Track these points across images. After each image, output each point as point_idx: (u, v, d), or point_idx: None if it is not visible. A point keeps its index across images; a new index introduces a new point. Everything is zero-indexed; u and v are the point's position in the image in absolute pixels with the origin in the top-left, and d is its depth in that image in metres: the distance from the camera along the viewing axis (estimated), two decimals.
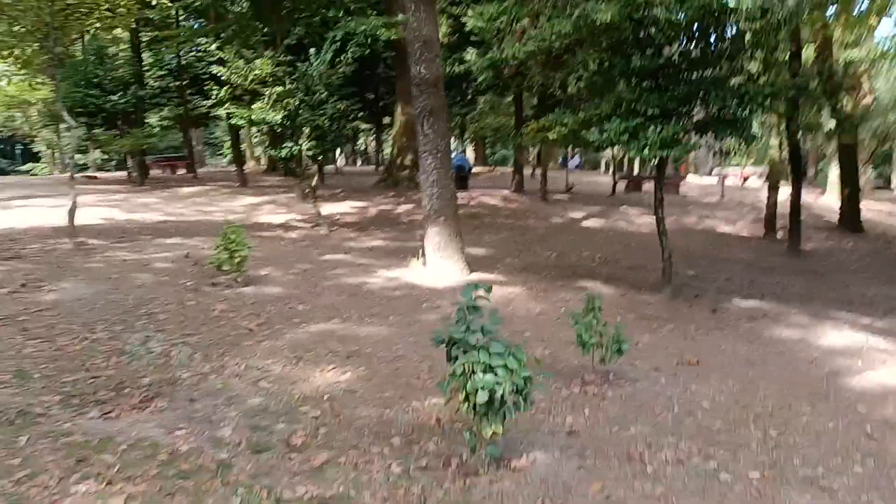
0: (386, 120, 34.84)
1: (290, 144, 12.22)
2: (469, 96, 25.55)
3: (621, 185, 26.80)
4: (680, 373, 6.28)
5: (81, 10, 10.50)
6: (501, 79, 19.48)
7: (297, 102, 12.34)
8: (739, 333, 7.98)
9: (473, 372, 3.85)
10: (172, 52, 23.31)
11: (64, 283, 7.50)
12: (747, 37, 8.22)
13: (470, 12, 17.94)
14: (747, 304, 9.61)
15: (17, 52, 10.59)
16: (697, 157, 44.59)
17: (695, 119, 8.70)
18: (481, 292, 4.12)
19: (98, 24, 10.77)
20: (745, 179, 41.16)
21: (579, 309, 5.83)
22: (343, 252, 11.08)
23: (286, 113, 12.14)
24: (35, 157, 62.21)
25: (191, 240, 11.39)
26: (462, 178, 22.86)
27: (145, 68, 25.42)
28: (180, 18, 25.31)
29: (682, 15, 7.20)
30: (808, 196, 27.10)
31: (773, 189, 16.84)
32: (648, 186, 28.95)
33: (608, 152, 53.65)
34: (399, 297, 8.20)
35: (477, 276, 9.50)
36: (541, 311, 8.16)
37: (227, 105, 12.63)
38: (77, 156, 53.96)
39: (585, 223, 17.13)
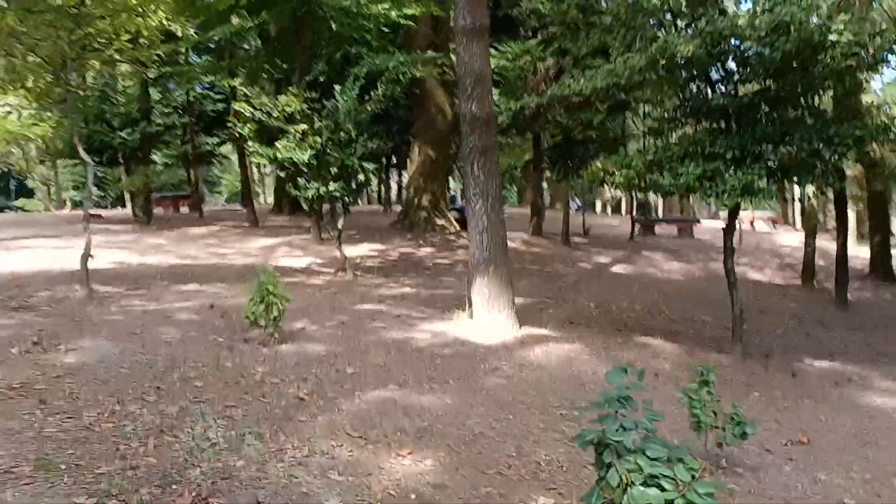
0: (393, 160, 34.42)
1: (316, 185, 11.50)
2: None
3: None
4: (794, 455, 5.48)
5: (101, 39, 9.85)
6: (522, 119, 18.98)
7: (324, 140, 11.66)
8: (832, 402, 7.20)
9: (632, 483, 3.05)
10: (183, 88, 22.71)
11: (82, 340, 6.67)
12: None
13: (492, 52, 17.56)
14: (822, 364, 8.85)
15: (29, 84, 9.89)
16: (697, 201, 44.18)
17: (769, 163, 8.01)
18: (634, 378, 3.33)
19: (118, 56, 10.08)
20: (752, 223, 40.67)
21: (691, 383, 5.04)
22: (375, 301, 10.28)
23: (314, 152, 11.43)
24: (29, 193, 61.56)
25: (211, 286, 10.59)
26: None
27: (152, 105, 24.82)
28: (189, 54, 24.88)
29: (775, 51, 6.53)
30: (824, 242, 26.54)
31: (811, 236, 16.16)
32: (660, 230, 28.43)
33: (607, 193, 53.50)
34: (452, 357, 7.38)
35: (527, 330, 8.70)
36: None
37: (250, 143, 11.91)
38: (72, 192, 53.43)
39: (614, 269, 16.39)
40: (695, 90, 7.85)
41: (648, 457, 3.11)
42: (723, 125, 8.04)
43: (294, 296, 9.61)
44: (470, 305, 8.80)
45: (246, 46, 23.38)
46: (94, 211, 28.45)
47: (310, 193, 11.62)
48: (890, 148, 8.15)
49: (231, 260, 13.73)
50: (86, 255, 9.29)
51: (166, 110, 28.59)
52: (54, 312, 7.93)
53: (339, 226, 12.44)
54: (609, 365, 7.76)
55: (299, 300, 9.70)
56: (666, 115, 8.21)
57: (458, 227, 19.68)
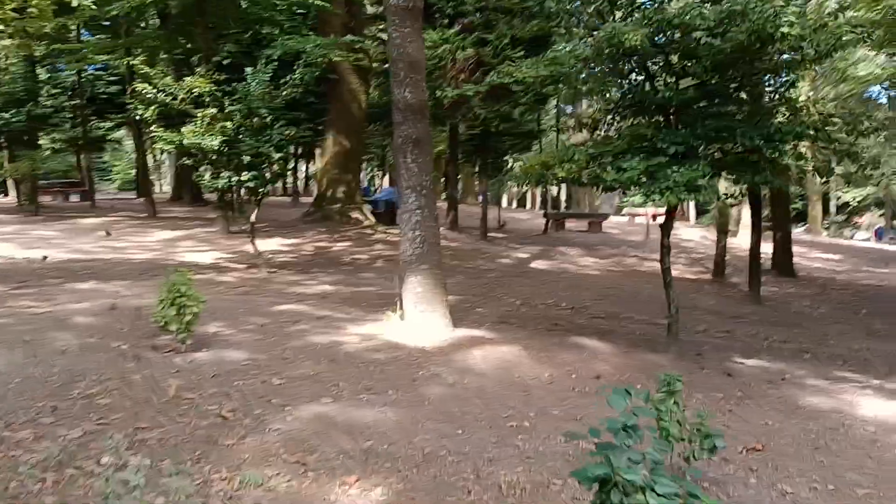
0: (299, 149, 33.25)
1: (228, 174, 10.64)
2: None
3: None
4: (754, 465, 5.26)
5: None
6: (439, 109, 18.54)
7: (235, 126, 10.82)
8: (773, 404, 7.11)
9: None
10: (73, 68, 20.94)
11: None
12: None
13: None
14: (752, 363, 8.82)
15: None
16: (604, 197, 45.13)
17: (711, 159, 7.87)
18: (639, 401, 2.93)
19: (1, 27, 8.93)
20: (654, 219, 41.89)
21: (657, 394, 4.72)
22: (294, 300, 9.58)
23: (224, 138, 10.57)
24: None
25: (109, 284, 9.60)
26: (392, 213, 21.69)
27: (39, 85, 22.85)
28: (80, 31, 23.00)
29: (727, 41, 6.33)
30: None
31: (723, 233, 16.52)
32: (571, 225, 28.71)
33: (513, 187, 54.00)
34: (387, 363, 6.84)
35: (461, 332, 8.25)
36: (552, 378, 7.00)
37: (153, 127, 10.90)
38: None
39: (534, 265, 16.22)
40: (635, 82, 7.60)
41: (658, 493, 2.72)
42: (662, 119, 7.84)
43: (203, 295, 8.83)
44: (401, 306, 8.26)
45: (143, 25, 21.84)
46: None
47: (220, 183, 10.77)
48: (819, 145, 8.11)
49: (129, 255, 12.62)
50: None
51: (54, 91, 26.47)
52: None
53: (252, 219, 11.62)
54: (550, 368, 7.44)
55: (210, 300, 8.83)
56: (608, 107, 7.92)
57: (373, 220, 19.06)
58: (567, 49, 6.89)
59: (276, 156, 10.89)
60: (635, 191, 7.40)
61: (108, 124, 29.14)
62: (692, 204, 46.93)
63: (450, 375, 6.67)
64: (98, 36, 23.74)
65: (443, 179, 29.26)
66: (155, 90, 10.98)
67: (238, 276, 11.12)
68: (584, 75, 8.05)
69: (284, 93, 11.18)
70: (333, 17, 17.53)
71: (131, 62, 11.17)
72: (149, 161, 43.75)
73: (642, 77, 7.84)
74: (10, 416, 4.50)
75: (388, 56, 8.17)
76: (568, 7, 7.38)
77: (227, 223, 15.55)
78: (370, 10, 19.40)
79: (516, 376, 6.97)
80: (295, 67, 11.32)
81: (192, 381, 5.64)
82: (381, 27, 20.06)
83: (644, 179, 7.10)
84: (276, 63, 11.86)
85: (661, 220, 32.44)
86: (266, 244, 14.93)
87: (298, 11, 16.12)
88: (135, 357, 6.13)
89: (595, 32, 7.31)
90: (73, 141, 26.87)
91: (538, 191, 63.24)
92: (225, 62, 13.95)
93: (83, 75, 24.97)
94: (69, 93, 26.82)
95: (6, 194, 45.88)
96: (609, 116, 8.14)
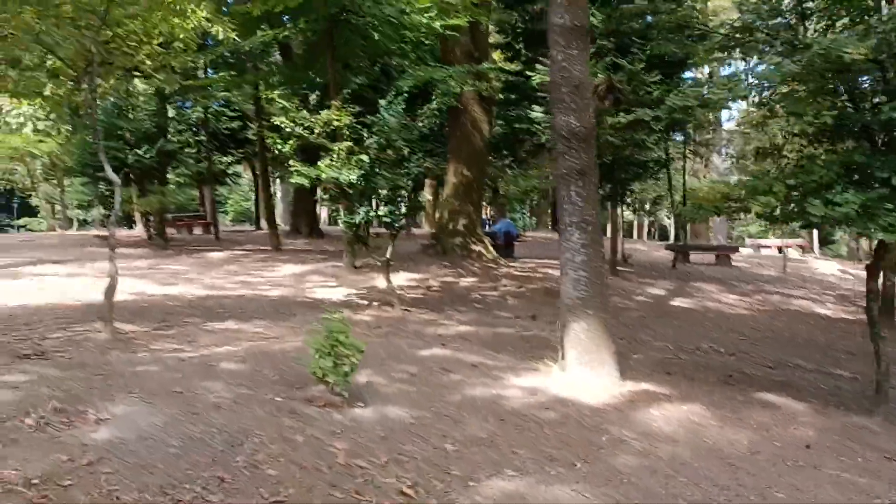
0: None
1: (365, 209, 10.23)
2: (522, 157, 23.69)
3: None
4: None
5: (130, 42, 8.62)
6: None
7: (372, 159, 10.42)
8: None
9: None
10: (201, 104, 21.53)
11: (114, 403, 5.33)
12: None
13: (539, 67, 16.35)
14: None
15: (47, 91, 8.65)
16: (715, 225, 42.83)
17: None
18: None
19: (148, 63, 8.85)
20: (780, 251, 39.35)
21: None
22: (436, 343, 8.95)
23: (362, 172, 10.18)
24: (32, 212, 60.39)
25: (248, 324, 9.28)
26: (509, 245, 20.99)
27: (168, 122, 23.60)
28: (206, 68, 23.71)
29: None
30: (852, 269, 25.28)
31: (893, 269, 14.83)
32: (696, 258, 27.05)
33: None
34: (560, 424, 6.05)
35: (630, 385, 7.37)
36: (753, 447, 6.01)
37: (291, 162, 10.64)
38: (77, 211, 52.15)
39: (673, 302, 15.07)
40: (845, 102, 6.61)
41: None
42: (868, 145, 6.79)
43: (363, 343, 8.33)
44: (562, 355, 7.47)
45: (267, 60, 22.27)
46: (103, 232, 27.22)
47: (358, 219, 10.34)
48: None
49: (261, 291, 12.41)
50: (111, 290, 7.99)
51: (180, 127, 27.45)
52: (75, 362, 6.60)
53: (388, 255, 11.14)
54: (745, 433, 6.43)
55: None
56: (806, 130, 6.94)
57: (495, 254, 18.40)
58: (771, 68, 5.98)
59: (411, 188, 10.40)
60: (845, 227, 6.35)
61: (229, 159, 29.96)
62: (815, 233, 43.94)
63: (636, 441, 5.82)
64: (221, 73, 24.49)
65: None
66: (293, 124, 10.76)
67: (374, 315, 10.63)
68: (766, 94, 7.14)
69: (421, 124, 10.71)
70: (458, 44, 17.15)
71: (269, 96, 10.97)
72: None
73: (844, 97, 6.81)
74: (176, 489, 3.99)
75: (551, 80, 7.49)
76: (765, 18, 6.48)
77: (354, 258, 15.25)
78: (492, 38, 18.96)
79: (710, 443, 6.03)
80: (433, 97, 10.85)
81: (361, 444, 5.04)
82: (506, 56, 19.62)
83: (860, 215, 6.07)
84: (405, 95, 11.47)
85: (791, 252, 30.19)
86: (393, 279, 14.50)
87: (425, 41, 15.83)
88: (291, 412, 5.60)
89: (789, 46, 6.39)
90: (196, 175, 27.71)
91: (646, 220, 61.03)
92: (350, 95, 13.70)
93: (208, 112, 25.81)
94: (194, 129, 27.72)
95: (130, 226, 48.25)
96: (804, 141, 7.13)
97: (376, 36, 14.14)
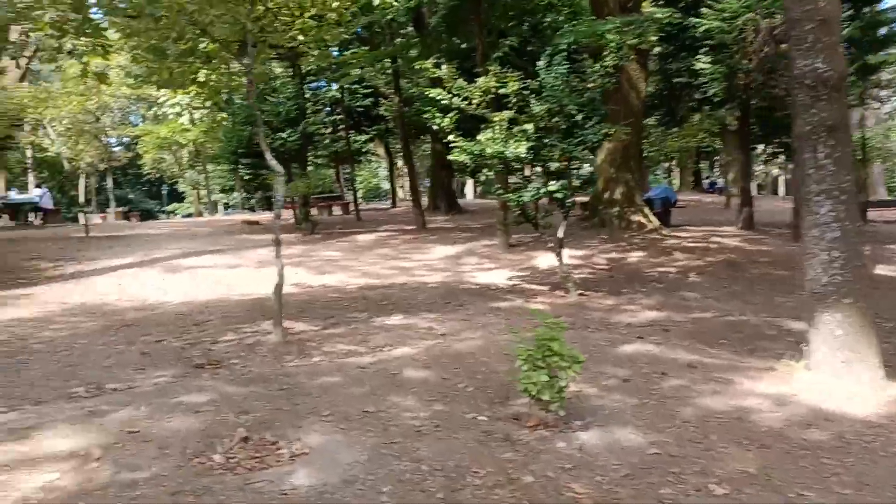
0: None
1: (536, 185, 9.17)
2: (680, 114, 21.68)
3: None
4: None
5: (283, 17, 7.91)
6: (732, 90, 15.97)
7: (539, 128, 9.32)
8: None
9: None
10: (339, 81, 21.11)
11: (307, 432, 4.61)
12: None
13: (706, 11, 14.54)
14: None
15: (201, 77, 8.13)
16: (874, 178, 38.52)
17: None
18: None
19: (301, 38, 8.12)
20: None
21: None
22: (633, 336, 7.79)
23: (530, 143, 9.10)
24: (179, 197, 63.65)
25: (418, 317, 8.51)
26: (666, 212, 19.27)
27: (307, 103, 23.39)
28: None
29: None
30: None
31: None
32: (873, 214, 24.05)
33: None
34: (841, 451, 4.75)
35: None
36: None
37: (451, 137, 9.72)
38: (219, 195, 54.27)
39: (878, 271, 13.04)
40: None
41: None
42: None
43: (581, 354, 7.32)
44: (808, 355, 6.12)
45: (402, 32, 21.48)
46: (251, 217, 27.74)
47: (527, 196, 9.30)
48: None
49: (419, 276, 11.69)
50: (279, 289, 7.38)
51: (316, 108, 27.40)
52: (253, 374, 5.99)
53: (560, 234, 10.05)
54: None
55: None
56: None
57: (656, 223, 16.85)
58: None
59: (588, 160, 9.23)
60: None
61: (363, 137, 29.71)
62: None
63: None
64: (353, 50, 24.05)
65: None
66: (450, 95, 9.83)
67: (547, 302, 9.62)
68: None
69: (591, 85, 9.48)
70: None
71: (423, 66, 10.06)
72: (393, 171, 45.02)
73: None
74: None
75: (788, 17, 6.06)
76: None
77: (508, 236, 14.29)
78: None
79: None
80: (604, 54, 9.58)
81: (604, 487, 4.03)
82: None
83: None
84: (564, 54, 10.24)
85: None
86: (551, 258, 13.41)
87: None
88: (505, 439, 4.67)
89: None
90: (332, 155, 27.59)
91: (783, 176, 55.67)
92: (499, 60, 12.59)
93: (341, 90, 25.54)
94: (328, 108, 27.57)
95: (269, 208, 49.51)
96: None
97: None
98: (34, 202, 25.02)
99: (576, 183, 9.58)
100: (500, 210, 14.33)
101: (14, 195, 27.28)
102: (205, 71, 8.07)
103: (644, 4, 17.66)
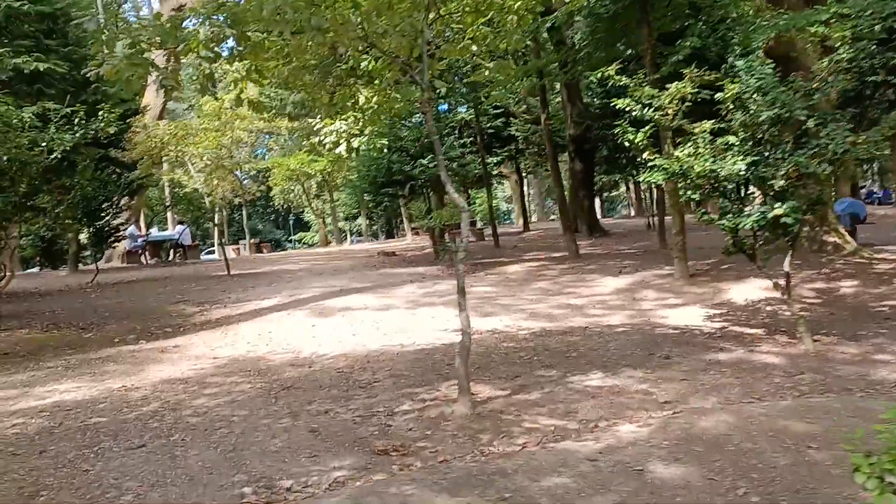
0: None
1: (762, 209, 7.45)
2: None
3: None
4: None
5: (454, 25, 6.68)
6: None
7: (757, 140, 7.62)
8: None
9: None
10: (493, 98, 19.93)
11: None
12: None
13: None
14: None
15: (362, 99, 7.02)
16: None
17: None
18: None
19: (474, 48, 6.86)
20: None
21: None
22: None
23: (752, 158, 7.41)
24: (305, 226, 65.04)
25: (619, 377, 6.96)
26: (853, 230, 16.72)
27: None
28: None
29: None
30: None
31: None
32: None
33: None
34: None
35: None
36: None
37: (646, 154, 8.18)
38: (342, 223, 54.66)
39: None
40: None
41: None
42: None
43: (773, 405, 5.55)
44: None
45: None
46: (386, 246, 27.05)
47: (749, 222, 7.57)
48: None
49: (598, 317, 10.13)
50: (466, 351, 6.06)
51: (445, 131, 26.50)
52: (451, 467, 4.65)
53: (787, 266, 8.23)
54: None
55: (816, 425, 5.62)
56: None
57: (854, 244, 14.48)
58: None
59: (826, 173, 7.42)
60: None
61: (495, 159, 28.54)
62: None
63: None
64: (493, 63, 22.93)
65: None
66: (639, 105, 8.31)
67: (777, 352, 7.81)
68: None
69: (818, 86, 7.69)
70: None
71: (608, 74, 8.58)
72: (518, 191, 43.51)
73: None
74: None
75: None
76: None
77: (686, 262, 12.50)
78: None
79: None
80: (838, 47, 7.77)
81: None
82: None
83: None
84: (759, 50, 8.51)
85: None
86: (749, 290, 11.50)
87: None
88: None
89: None
90: (464, 180, 26.52)
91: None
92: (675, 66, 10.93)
93: (479, 109, 24.53)
94: (457, 130, 26.59)
95: (390, 235, 49.25)
96: None
97: None
98: (174, 239, 25.40)
99: (803, 205, 7.75)
100: (677, 235, 12.56)
101: (155, 232, 27.94)
102: (366, 93, 6.97)
103: None
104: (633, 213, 46.45)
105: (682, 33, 13.36)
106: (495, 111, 27.73)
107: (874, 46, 8.27)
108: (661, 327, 9.22)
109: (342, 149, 7.23)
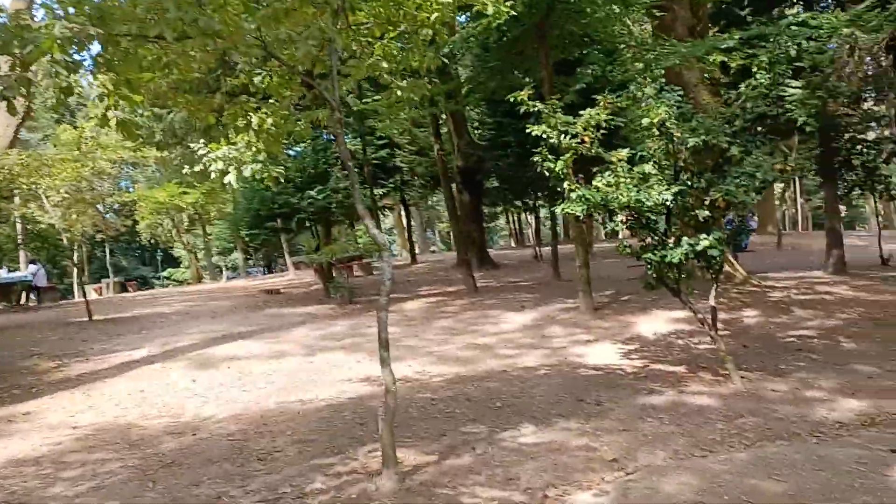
0: None
1: (691, 241, 7.06)
2: None
3: None
4: None
5: (362, 37, 5.90)
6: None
7: (677, 168, 7.28)
8: None
9: None
10: (388, 127, 19.17)
11: None
12: None
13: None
14: None
15: (254, 122, 6.06)
16: None
17: None
18: None
19: (384, 65, 6.10)
20: None
21: None
22: (881, 449, 5.53)
23: (678, 188, 7.03)
24: (174, 263, 61.47)
25: (552, 429, 6.28)
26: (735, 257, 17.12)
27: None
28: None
29: None
30: None
31: None
32: None
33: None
34: None
35: None
36: None
37: (567, 184, 7.63)
38: (216, 258, 51.94)
39: None
40: None
41: None
42: None
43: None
44: None
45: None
46: (268, 283, 25.40)
47: (675, 256, 7.16)
48: None
49: (513, 358, 9.45)
50: (391, 415, 5.15)
51: (330, 161, 25.46)
52: None
53: (712, 301, 7.89)
54: None
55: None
56: None
57: (744, 272, 14.73)
58: None
59: (752, 200, 7.16)
60: None
61: (382, 191, 27.71)
62: None
63: None
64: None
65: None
66: (556, 132, 7.78)
67: (708, 391, 7.38)
68: None
69: (744, 108, 7.47)
70: (676, 20, 13.84)
71: (522, 98, 8.01)
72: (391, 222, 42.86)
73: None
74: None
75: None
76: None
77: (592, 300, 12.16)
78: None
79: None
80: (753, 72, 7.58)
81: None
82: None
83: None
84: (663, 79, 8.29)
85: None
86: (654, 323, 11.25)
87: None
88: None
89: None
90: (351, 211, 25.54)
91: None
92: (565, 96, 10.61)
93: (365, 139, 23.85)
94: (340, 162, 25.64)
95: (268, 270, 47.07)
96: None
97: (598, 12, 11.01)
98: (27, 280, 22.78)
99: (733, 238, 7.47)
100: (581, 268, 12.19)
101: (4, 273, 25.00)
102: (261, 112, 5.99)
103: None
104: (513, 244, 46.91)
105: (580, 62, 13.23)
106: (379, 141, 27.00)
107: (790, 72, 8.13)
108: (581, 368, 8.66)
109: (231, 177, 6.16)
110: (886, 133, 17.27)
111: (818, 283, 14.21)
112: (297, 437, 6.40)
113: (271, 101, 6.07)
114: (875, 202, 19.39)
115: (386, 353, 5.27)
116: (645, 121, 7.23)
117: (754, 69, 7.65)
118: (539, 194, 23.56)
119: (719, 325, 10.82)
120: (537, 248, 26.87)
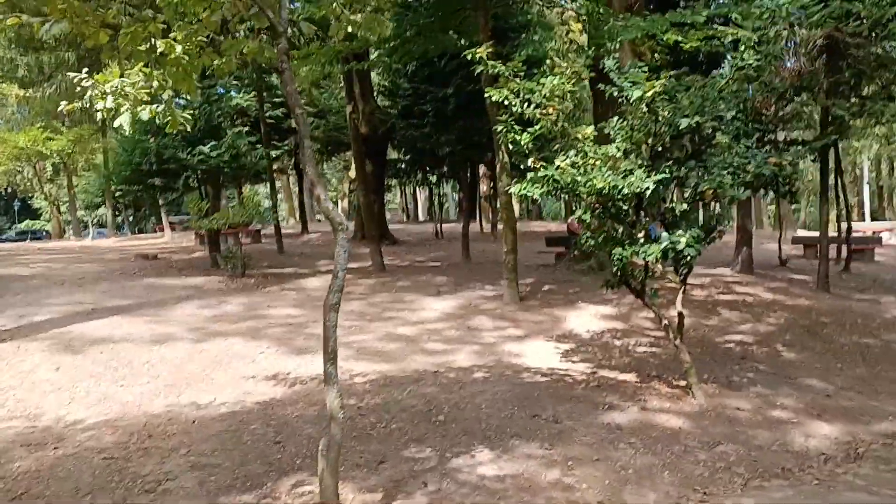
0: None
1: (671, 237, 6.19)
2: None
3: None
4: None
5: None
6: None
7: (653, 153, 6.40)
8: None
9: None
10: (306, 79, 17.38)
11: None
12: None
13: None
14: None
15: (161, 45, 4.57)
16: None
17: None
18: None
19: None
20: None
21: None
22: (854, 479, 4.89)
23: (661, 176, 6.12)
24: (33, 214, 56.44)
25: (516, 455, 5.28)
26: None
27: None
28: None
29: None
30: None
31: None
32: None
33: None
34: None
35: None
36: None
37: (530, 160, 6.57)
38: (81, 213, 47.69)
39: None
40: None
41: None
42: None
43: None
44: None
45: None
46: (143, 246, 22.92)
47: (651, 255, 6.27)
48: None
49: (443, 356, 8.33)
50: (337, 449, 3.92)
51: (219, 117, 23.25)
52: None
53: (679, 306, 7.10)
54: None
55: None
56: None
57: (662, 269, 14.25)
58: None
59: (740, 195, 6.39)
60: None
61: (276, 153, 25.72)
62: None
63: None
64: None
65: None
66: (518, 99, 6.67)
67: (672, 409, 6.58)
68: None
69: (726, 92, 6.64)
70: (614, 1, 13.06)
71: (477, 56, 6.84)
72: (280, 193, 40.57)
73: None
74: None
75: None
76: None
77: (517, 289, 11.24)
78: None
79: None
80: (741, 46, 6.77)
81: None
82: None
83: None
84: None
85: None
86: (584, 319, 10.48)
87: None
88: None
89: None
90: (242, 173, 23.53)
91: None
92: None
93: (245, 100, 22.13)
94: (234, 119, 23.59)
95: (141, 230, 43.56)
96: None
97: None
98: None
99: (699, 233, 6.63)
100: (508, 254, 11.22)
101: None
102: (171, 37, 4.50)
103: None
104: (405, 219, 45.70)
105: (518, 31, 12.17)
106: (275, 100, 25.10)
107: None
108: (523, 372, 7.67)
109: (124, 119, 4.65)
110: (794, 135, 17.38)
111: (732, 283, 13.98)
112: (193, 459, 5.02)
113: (185, 20, 4.58)
114: (777, 203, 19.65)
115: (333, 369, 4.01)
116: (636, 93, 6.23)
117: (742, 47, 6.83)
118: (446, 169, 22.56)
119: (649, 324, 10.24)
120: (439, 226, 25.84)
